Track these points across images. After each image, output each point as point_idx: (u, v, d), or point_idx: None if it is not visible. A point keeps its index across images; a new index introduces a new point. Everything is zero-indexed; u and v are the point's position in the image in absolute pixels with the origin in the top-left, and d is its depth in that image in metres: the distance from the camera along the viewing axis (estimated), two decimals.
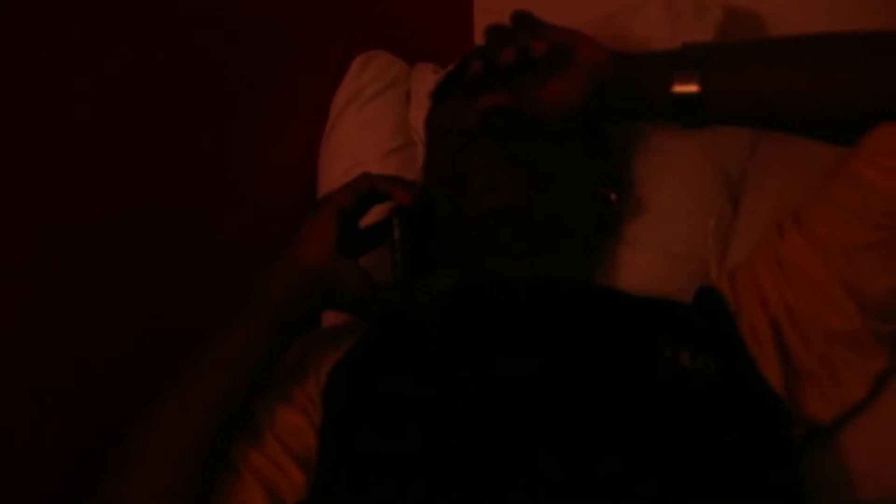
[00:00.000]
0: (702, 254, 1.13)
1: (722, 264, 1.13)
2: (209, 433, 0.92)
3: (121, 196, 1.04)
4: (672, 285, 1.09)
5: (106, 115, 1.02)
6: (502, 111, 1.01)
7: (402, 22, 1.47)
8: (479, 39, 1.56)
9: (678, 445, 0.84)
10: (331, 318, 1.18)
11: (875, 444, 0.95)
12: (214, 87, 1.15)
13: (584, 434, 0.83)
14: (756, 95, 0.95)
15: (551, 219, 1.03)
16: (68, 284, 0.99)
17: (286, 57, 1.26)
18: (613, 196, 1.10)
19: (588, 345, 0.91)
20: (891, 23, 1.11)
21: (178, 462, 0.90)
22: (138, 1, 1.04)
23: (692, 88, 0.95)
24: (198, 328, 0.96)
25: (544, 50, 0.96)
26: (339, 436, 0.94)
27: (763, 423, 0.90)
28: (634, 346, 0.91)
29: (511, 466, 0.81)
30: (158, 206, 1.09)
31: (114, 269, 1.03)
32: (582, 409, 0.85)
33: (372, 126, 1.31)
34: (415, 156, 1.30)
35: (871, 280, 0.88)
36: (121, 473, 0.89)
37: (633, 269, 1.13)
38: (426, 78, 1.36)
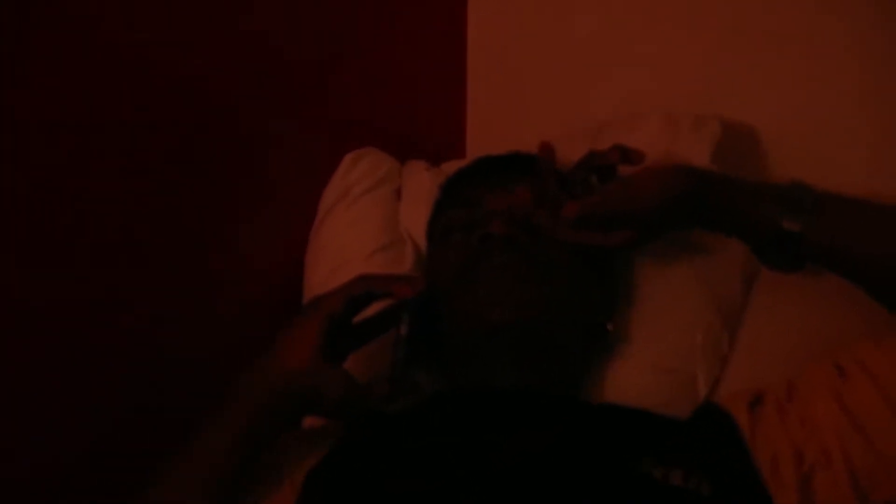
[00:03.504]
0: (689, 367, 1.13)
1: (715, 380, 1.13)
2: None
3: (102, 292, 1.04)
4: (658, 398, 1.08)
5: (94, 208, 1.02)
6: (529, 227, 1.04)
7: (393, 119, 1.47)
8: (471, 136, 1.59)
9: None
10: (309, 419, 1.14)
11: None
12: (200, 182, 1.15)
13: None
14: (858, 252, 0.97)
15: (549, 340, 1.03)
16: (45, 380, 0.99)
17: (275, 153, 1.26)
18: (610, 326, 1.11)
19: (571, 465, 0.89)
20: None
21: None
22: (122, 100, 1.04)
23: (795, 227, 0.97)
24: (174, 428, 0.95)
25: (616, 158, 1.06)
26: None
27: None
28: (618, 462, 0.89)
29: None
30: (139, 303, 1.07)
31: (94, 365, 1.03)
32: None
33: (360, 224, 1.30)
34: (402, 254, 1.28)
35: None
36: None
37: (619, 381, 1.12)
38: (418, 175, 1.36)
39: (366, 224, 1.30)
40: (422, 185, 1.33)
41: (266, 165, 1.24)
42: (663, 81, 1.34)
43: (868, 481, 0.88)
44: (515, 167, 1.13)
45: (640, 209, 1.02)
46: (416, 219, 1.29)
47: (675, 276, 1.16)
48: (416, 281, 1.04)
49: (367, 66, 1.41)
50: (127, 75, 1.04)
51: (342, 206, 1.31)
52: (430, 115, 1.55)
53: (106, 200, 1.03)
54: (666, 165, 1.04)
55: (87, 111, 1.00)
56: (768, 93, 1.24)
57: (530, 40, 1.50)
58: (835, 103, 1.19)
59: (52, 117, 0.97)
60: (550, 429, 0.94)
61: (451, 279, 1.05)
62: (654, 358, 1.13)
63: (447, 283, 1.05)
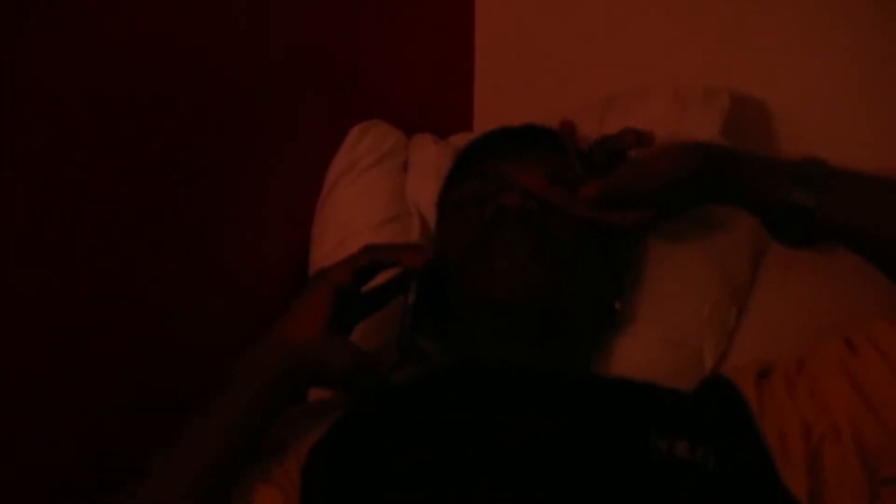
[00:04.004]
0: (695, 341, 1.13)
1: (722, 355, 1.14)
2: None
3: (109, 266, 1.03)
4: (664, 371, 1.09)
5: (96, 184, 1.00)
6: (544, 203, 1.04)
7: (401, 92, 1.46)
8: (479, 109, 1.58)
9: None
10: (316, 392, 1.15)
11: None
12: (207, 155, 1.14)
13: None
14: (870, 227, 0.96)
15: (558, 317, 1.03)
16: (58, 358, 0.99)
17: (282, 126, 1.24)
18: (618, 305, 1.11)
19: (578, 446, 0.89)
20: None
21: None
22: (126, 67, 1.03)
23: (807, 201, 0.96)
24: (185, 401, 0.94)
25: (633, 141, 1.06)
26: None
27: None
28: (626, 438, 0.90)
29: None
30: (146, 278, 1.07)
31: (106, 342, 1.03)
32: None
33: (366, 196, 1.30)
34: (409, 226, 1.28)
35: None
36: None
37: (625, 353, 1.13)
38: (426, 148, 1.36)
39: (372, 196, 1.29)
40: (429, 158, 1.33)
41: (273, 138, 1.23)
42: (673, 55, 1.33)
43: (877, 458, 0.89)
44: (530, 140, 1.13)
45: (653, 188, 1.02)
46: (423, 192, 1.29)
47: (683, 251, 1.16)
48: (424, 249, 1.04)
49: (374, 38, 1.40)
50: (130, 53, 1.03)
51: (348, 179, 1.30)
52: (437, 88, 1.54)
53: (107, 177, 1.02)
54: (675, 143, 1.04)
55: (87, 84, 0.99)
56: (778, 67, 1.24)
57: (539, 12, 1.49)
58: (845, 77, 1.18)
59: (50, 108, 0.96)
60: (559, 409, 0.94)
61: (462, 252, 1.05)
62: (661, 331, 1.13)
63: (458, 256, 1.05)
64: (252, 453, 0.96)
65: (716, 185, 1.02)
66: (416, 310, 1.00)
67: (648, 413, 0.93)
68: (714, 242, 1.16)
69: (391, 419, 0.97)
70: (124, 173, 1.03)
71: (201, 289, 1.15)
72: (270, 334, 0.98)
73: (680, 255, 1.16)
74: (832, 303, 1.10)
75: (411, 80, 1.48)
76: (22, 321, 0.95)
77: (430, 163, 1.31)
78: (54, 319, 0.98)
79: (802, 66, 1.22)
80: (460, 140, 1.34)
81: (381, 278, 1.05)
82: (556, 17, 1.46)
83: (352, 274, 1.00)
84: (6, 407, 0.93)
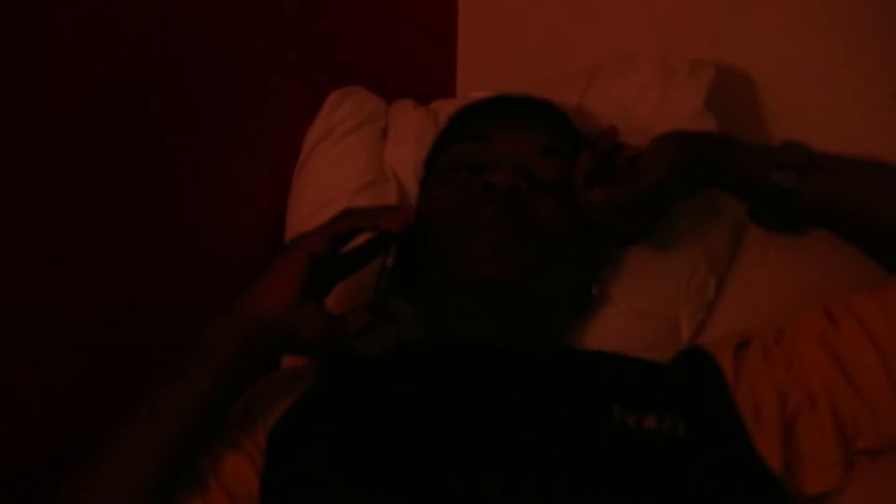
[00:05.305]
0: (672, 311, 1.13)
1: (700, 326, 1.14)
2: (154, 480, 0.89)
3: (83, 226, 1.02)
4: (639, 342, 1.10)
5: (68, 142, 0.99)
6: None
7: (381, 58, 1.44)
8: (462, 74, 1.56)
9: None
10: (290, 359, 1.15)
11: None
12: (183, 118, 1.12)
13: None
14: (850, 208, 0.96)
15: (536, 301, 1.03)
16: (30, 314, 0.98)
17: (259, 91, 1.23)
18: (595, 290, 1.11)
19: (542, 414, 0.90)
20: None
21: None
22: (105, 29, 1.01)
23: (788, 181, 0.96)
24: (156, 367, 0.93)
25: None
26: (282, 484, 0.91)
27: (744, 490, 0.88)
28: (591, 413, 0.89)
29: None
30: (121, 241, 1.06)
31: (76, 301, 1.02)
32: (532, 478, 0.84)
33: (344, 162, 1.28)
34: (386, 192, 1.27)
35: None
36: None
37: (601, 325, 1.13)
38: (406, 114, 1.34)
39: (349, 163, 1.28)
40: (409, 124, 1.32)
41: (249, 104, 1.21)
42: (661, 25, 1.31)
43: (852, 428, 0.89)
44: (527, 110, 1.12)
45: (644, 191, 1.01)
46: (402, 158, 1.29)
47: (661, 222, 1.14)
48: (404, 211, 1.02)
49: (354, 1, 1.38)
50: (116, 19, 1.02)
51: (326, 145, 1.29)
52: (419, 53, 1.52)
53: (80, 143, 1.00)
54: (654, 140, 1.03)
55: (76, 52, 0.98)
56: (767, 41, 1.22)
57: None
58: (833, 52, 1.17)
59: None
60: (531, 386, 0.94)
61: (447, 224, 1.04)
62: (637, 302, 1.13)
63: (443, 226, 1.04)
64: (220, 422, 0.95)
65: (700, 170, 1.01)
66: (393, 273, 1.00)
67: (615, 387, 0.93)
68: (693, 213, 1.15)
69: (363, 392, 0.97)
70: (99, 142, 1.02)
71: (176, 256, 1.13)
72: (241, 301, 0.96)
73: (658, 226, 1.14)
74: (813, 276, 1.10)
75: (393, 46, 1.46)
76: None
77: (410, 129, 1.30)
78: (27, 290, 0.97)
79: (791, 41, 1.20)
80: (442, 106, 1.33)
81: (359, 239, 1.04)
82: None
83: (329, 240, 0.99)
84: None
